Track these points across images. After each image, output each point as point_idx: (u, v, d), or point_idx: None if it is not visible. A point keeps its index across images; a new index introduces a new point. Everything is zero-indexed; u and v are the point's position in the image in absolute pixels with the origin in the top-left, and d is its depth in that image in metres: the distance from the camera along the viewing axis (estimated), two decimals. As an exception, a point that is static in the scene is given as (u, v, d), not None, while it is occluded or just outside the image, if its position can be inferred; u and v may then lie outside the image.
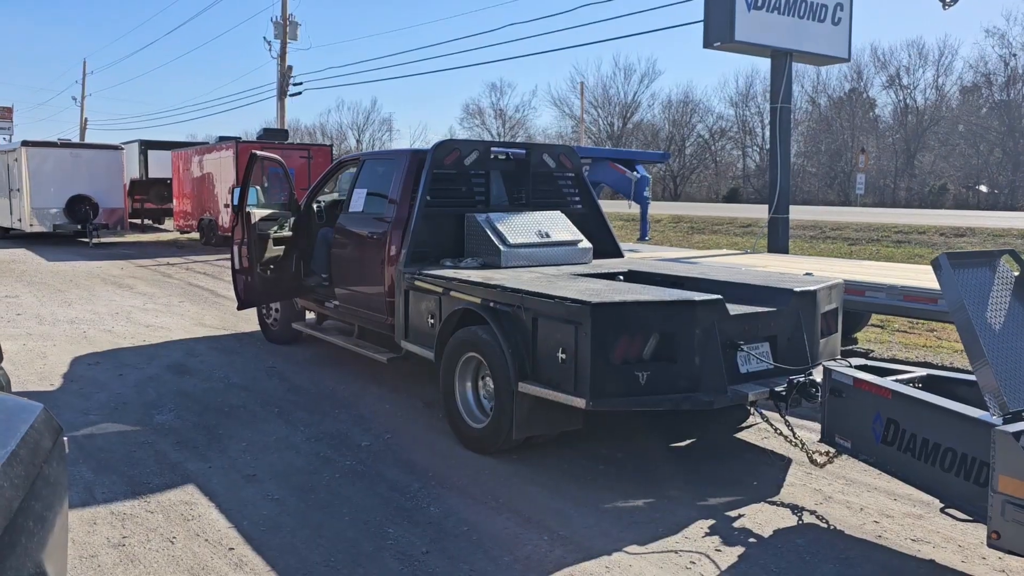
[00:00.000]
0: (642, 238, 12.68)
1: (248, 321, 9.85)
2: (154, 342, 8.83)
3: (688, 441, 5.69)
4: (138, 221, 27.30)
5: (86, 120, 57.63)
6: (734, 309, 4.99)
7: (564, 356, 4.68)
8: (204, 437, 5.64)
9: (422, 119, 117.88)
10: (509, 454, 5.24)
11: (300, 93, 32.64)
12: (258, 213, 7.58)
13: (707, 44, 10.89)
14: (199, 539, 4.05)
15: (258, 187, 8.08)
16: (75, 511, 4.34)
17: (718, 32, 10.81)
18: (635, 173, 11.60)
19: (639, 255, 9.29)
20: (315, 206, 8.23)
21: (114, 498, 4.55)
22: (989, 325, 3.71)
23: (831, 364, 4.46)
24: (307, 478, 4.89)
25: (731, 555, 3.92)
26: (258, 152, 7.72)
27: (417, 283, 6.07)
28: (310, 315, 8.55)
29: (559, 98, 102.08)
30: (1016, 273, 4.04)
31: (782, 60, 11.43)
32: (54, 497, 2.23)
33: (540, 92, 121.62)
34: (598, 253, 7.28)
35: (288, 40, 32.75)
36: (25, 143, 21.16)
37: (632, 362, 4.62)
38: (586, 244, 6.96)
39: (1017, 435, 2.89)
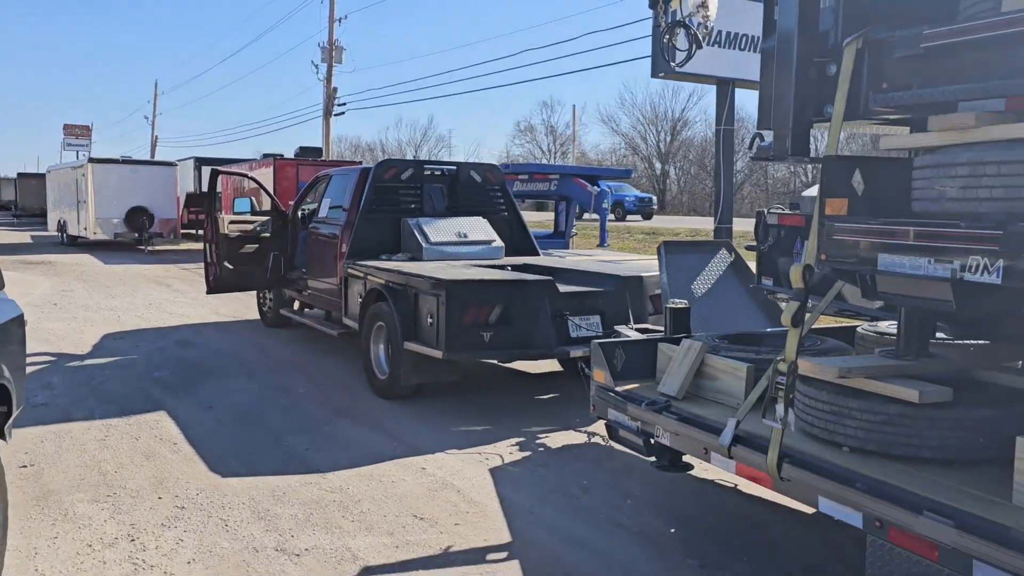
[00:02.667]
0: (601, 244, 14.19)
1: (254, 310, 11.71)
2: (172, 325, 10.76)
3: (551, 395, 7.25)
4: (193, 231, 29.80)
5: (156, 137, 61.47)
6: (566, 288, 6.57)
7: (431, 320, 6.34)
8: (185, 385, 7.44)
9: (477, 136, 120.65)
10: (405, 399, 6.89)
11: (344, 113, 35.03)
12: (227, 218, 9.39)
13: (654, 75, 12.37)
14: (155, 438, 5.82)
15: (252, 198, 9.94)
16: (77, 423, 6.17)
17: (662, 64, 12.30)
18: (595, 188, 13.14)
19: (585, 257, 10.85)
20: (299, 213, 10.03)
21: (107, 417, 6.36)
22: (692, 291, 5.23)
23: (619, 327, 6.00)
24: (248, 410, 6.63)
25: (518, 456, 5.50)
26: (219, 169, 9.53)
27: (350, 271, 7.80)
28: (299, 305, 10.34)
29: (607, 115, 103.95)
30: (731, 258, 5.55)
31: (725, 87, 12.84)
32: (11, 339, 3.94)
33: (589, 109, 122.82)
34: (515, 251, 8.89)
35: (334, 64, 35.25)
36: (91, 160, 23.78)
37: (479, 325, 6.24)
38: (499, 243, 8.57)
39: (600, 345, 4.39)
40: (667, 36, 5.20)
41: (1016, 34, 2.37)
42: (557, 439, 5.92)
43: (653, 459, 3.96)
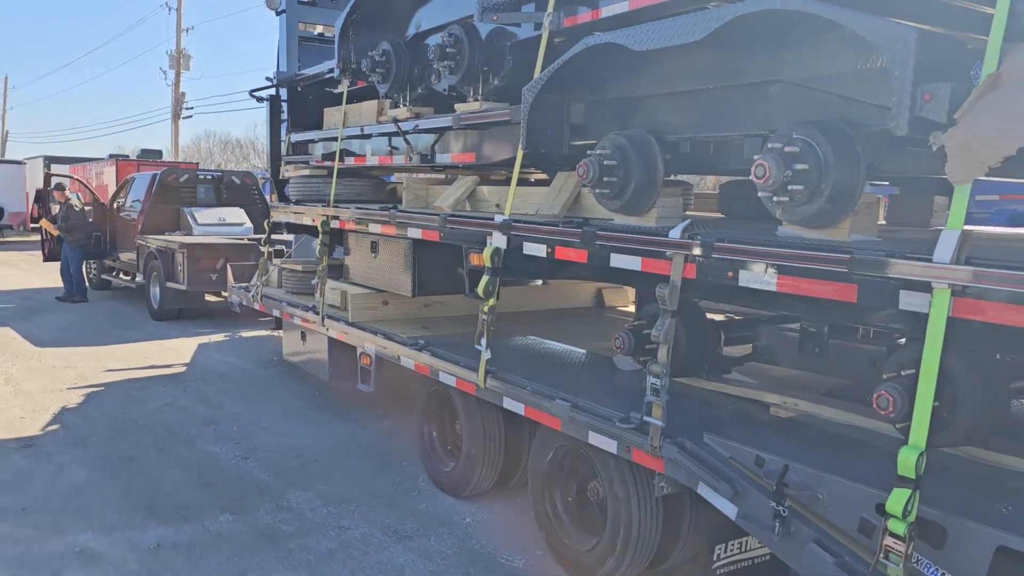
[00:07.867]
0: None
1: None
2: (17, 289, 14.37)
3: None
4: (43, 224, 32.18)
5: (7, 132, 61.51)
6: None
7: (181, 268, 10.51)
8: (25, 317, 11.27)
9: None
10: (170, 320, 11.01)
11: (191, 116, 38.15)
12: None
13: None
14: (2, 336, 9.72)
15: (78, 193, 13.70)
16: (-50, 332, 9.97)
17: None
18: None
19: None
20: (115, 204, 13.87)
21: (-31, 330, 10.19)
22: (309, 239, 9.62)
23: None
24: (64, 327, 10.57)
25: (223, 339, 9.75)
26: (50, 172, 13.28)
27: (139, 242, 11.85)
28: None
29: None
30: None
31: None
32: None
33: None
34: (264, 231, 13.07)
35: (183, 71, 38.19)
36: (-58, 159, 26.18)
37: (210, 270, 10.46)
38: (249, 224, 12.76)
39: (230, 266, 8.71)
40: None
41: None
42: (251, 333, 10.22)
43: (237, 311, 8.32)
